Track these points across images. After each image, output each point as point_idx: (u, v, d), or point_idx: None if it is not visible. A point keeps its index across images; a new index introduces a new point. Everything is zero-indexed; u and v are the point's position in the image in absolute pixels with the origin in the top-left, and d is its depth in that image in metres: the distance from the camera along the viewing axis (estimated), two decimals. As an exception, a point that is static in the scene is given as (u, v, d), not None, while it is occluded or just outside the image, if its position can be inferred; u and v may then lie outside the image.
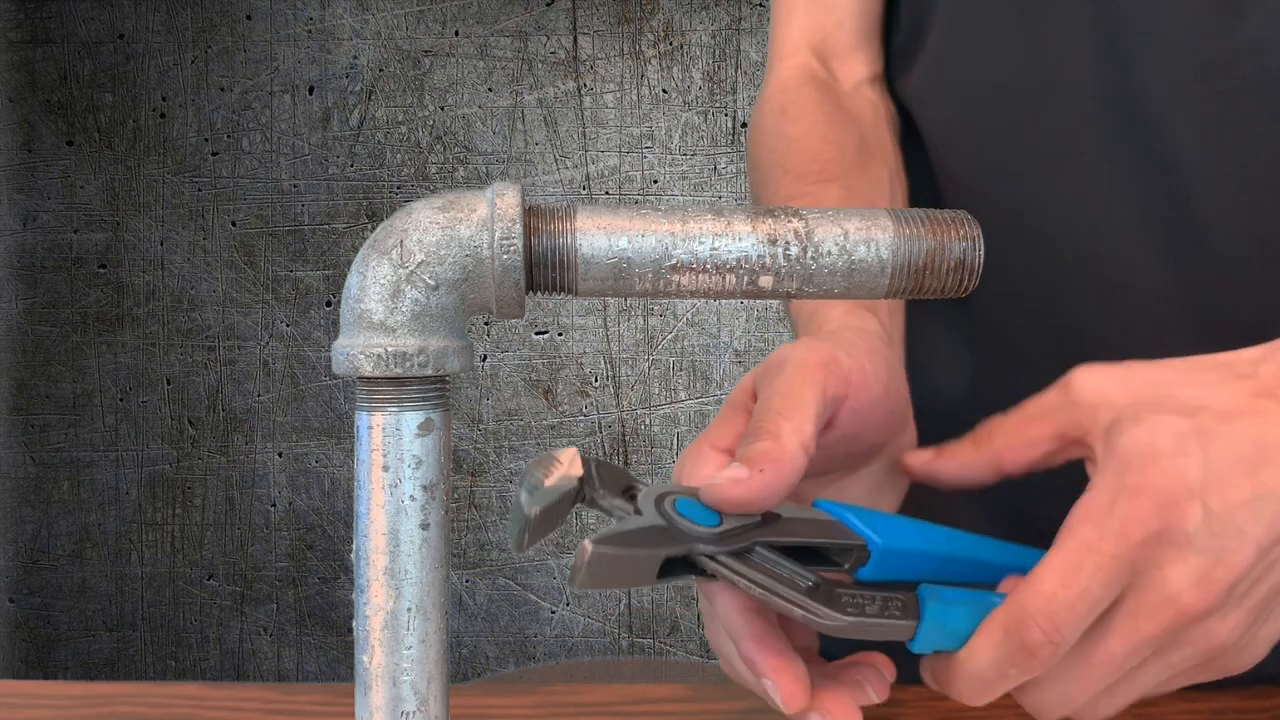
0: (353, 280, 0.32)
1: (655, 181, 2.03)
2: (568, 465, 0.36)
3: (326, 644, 2.11)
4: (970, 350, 0.61)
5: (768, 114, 0.62)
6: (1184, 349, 0.52)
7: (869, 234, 0.33)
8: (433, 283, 0.32)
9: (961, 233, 0.33)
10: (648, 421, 2.07)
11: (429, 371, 0.32)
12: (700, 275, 0.32)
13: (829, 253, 0.33)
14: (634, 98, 2.02)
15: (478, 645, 2.09)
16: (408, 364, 0.31)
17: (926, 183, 0.61)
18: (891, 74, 0.64)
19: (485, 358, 2.05)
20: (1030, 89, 0.53)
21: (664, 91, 2.02)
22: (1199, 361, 0.38)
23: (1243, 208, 0.49)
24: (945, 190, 0.60)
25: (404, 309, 0.32)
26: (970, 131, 0.57)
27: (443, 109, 2.05)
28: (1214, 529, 0.33)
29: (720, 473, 0.35)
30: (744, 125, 2.01)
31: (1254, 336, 0.50)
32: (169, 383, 2.10)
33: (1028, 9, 0.53)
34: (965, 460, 0.41)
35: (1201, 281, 0.50)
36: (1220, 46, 0.48)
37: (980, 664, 0.35)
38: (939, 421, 0.47)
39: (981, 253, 0.33)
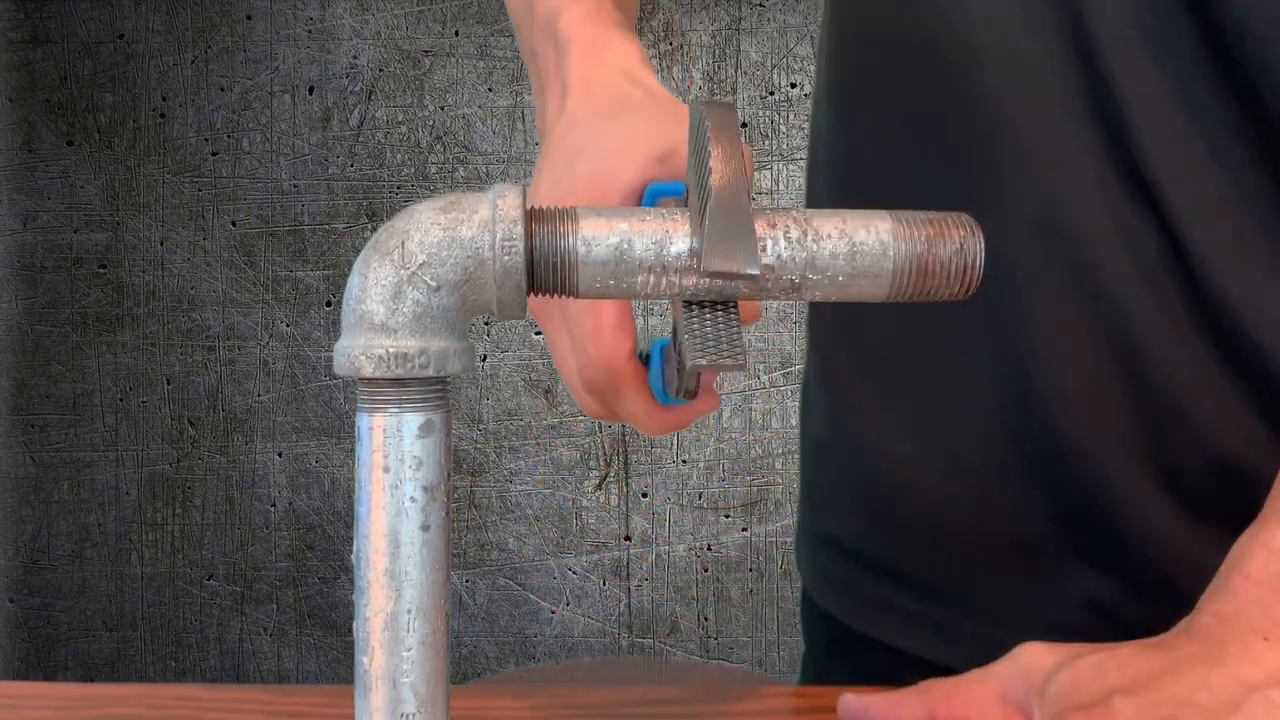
0: (354, 281, 0.32)
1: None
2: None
3: (326, 644, 2.11)
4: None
5: None
6: (1135, 308, 0.51)
7: (869, 235, 0.33)
8: (434, 284, 0.32)
9: (962, 234, 0.33)
10: (648, 422, 2.06)
11: (430, 373, 0.32)
12: (700, 275, 0.32)
13: (829, 254, 0.33)
14: (634, 98, 2.02)
15: (478, 645, 2.09)
16: (409, 365, 0.31)
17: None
18: None
19: (485, 358, 2.05)
20: (1008, 26, 0.52)
21: (664, 92, 2.02)
22: (1131, 643, 0.41)
23: (1192, 166, 0.49)
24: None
25: (405, 310, 0.32)
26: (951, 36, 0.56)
27: (443, 109, 2.05)
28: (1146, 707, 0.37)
29: None
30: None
31: (1198, 290, 0.50)
32: (169, 383, 2.10)
33: None
34: (900, 701, 0.43)
35: (1149, 238, 0.50)
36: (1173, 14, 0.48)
37: None
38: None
39: (982, 254, 0.33)
